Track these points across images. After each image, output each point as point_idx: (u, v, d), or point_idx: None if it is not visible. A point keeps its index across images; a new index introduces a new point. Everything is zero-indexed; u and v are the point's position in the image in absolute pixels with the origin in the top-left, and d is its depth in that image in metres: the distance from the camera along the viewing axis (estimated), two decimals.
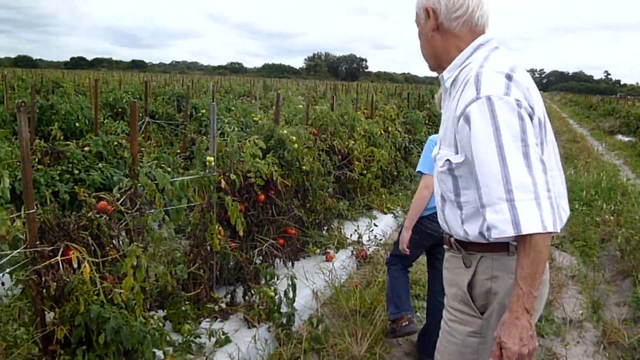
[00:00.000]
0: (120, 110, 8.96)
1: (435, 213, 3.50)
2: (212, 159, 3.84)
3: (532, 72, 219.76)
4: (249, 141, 4.27)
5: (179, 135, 9.35)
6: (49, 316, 2.56)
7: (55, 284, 2.35)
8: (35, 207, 2.47)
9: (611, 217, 7.27)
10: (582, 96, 60.90)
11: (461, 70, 1.84)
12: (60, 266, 2.40)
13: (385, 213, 7.15)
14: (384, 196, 7.41)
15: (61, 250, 2.47)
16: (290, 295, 4.00)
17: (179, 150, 7.50)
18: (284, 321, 3.82)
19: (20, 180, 4.84)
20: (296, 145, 4.54)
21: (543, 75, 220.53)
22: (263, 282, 4.19)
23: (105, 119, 8.01)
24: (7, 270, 2.40)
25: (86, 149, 5.75)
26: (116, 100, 8.94)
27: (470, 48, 1.84)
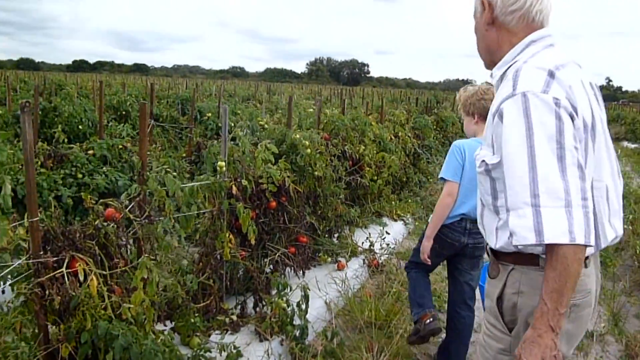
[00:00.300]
0: (124, 112, 8.82)
1: (457, 222, 3.39)
2: (223, 164, 3.67)
3: None
4: (260, 146, 4.10)
5: (183, 139, 9.20)
6: (53, 331, 2.39)
7: (59, 297, 2.17)
8: (39, 214, 2.30)
9: (625, 226, 7.10)
10: None
11: (510, 66, 1.72)
12: (66, 278, 2.23)
13: (396, 220, 6.98)
14: (393, 203, 7.25)
15: (66, 261, 2.30)
16: (303, 306, 3.83)
17: (184, 154, 7.33)
18: (297, 334, 3.65)
19: (23, 184, 4.69)
20: (309, 151, 4.38)
21: None
22: (274, 292, 4.02)
23: (109, 121, 7.85)
24: (9, 282, 2.22)
25: (90, 152, 5.60)
26: (120, 103, 8.79)
27: (521, 44, 1.73)
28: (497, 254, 1.84)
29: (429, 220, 3.45)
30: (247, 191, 3.86)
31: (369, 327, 4.05)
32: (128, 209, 2.84)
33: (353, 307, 4.37)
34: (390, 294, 4.63)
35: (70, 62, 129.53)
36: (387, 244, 5.83)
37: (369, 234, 5.71)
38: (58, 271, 2.24)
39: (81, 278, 2.22)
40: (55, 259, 2.30)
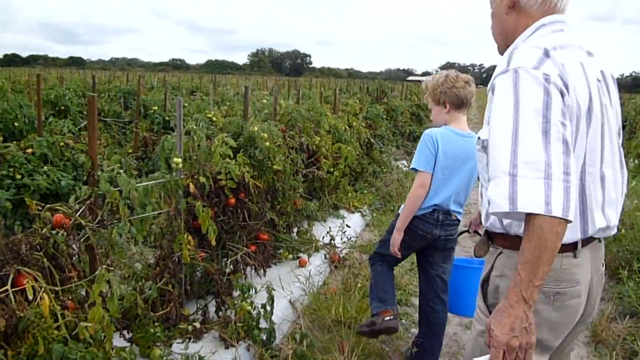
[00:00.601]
0: (63, 108, 8.31)
1: (429, 213, 3.21)
2: (179, 160, 3.41)
3: (471, 67, 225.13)
4: (217, 140, 3.86)
5: (127, 134, 8.78)
6: None
7: (5, 320, 1.90)
8: None
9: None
10: None
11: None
12: (12, 298, 1.95)
13: (353, 212, 6.85)
14: (349, 194, 7.11)
15: (11, 277, 2.02)
16: (269, 308, 3.64)
17: (130, 151, 6.97)
18: (264, 338, 3.45)
19: None
20: (268, 144, 4.16)
21: (482, 70, 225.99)
22: (237, 294, 3.80)
23: (47, 117, 7.38)
24: None
25: (29, 150, 5.20)
26: (58, 98, 8.28)
27: (532, 27, 1.72)
28: (490, 236, 1.85)
29: (399, 212, 3.31)
30: (205, 188, 3.63)
31: (337, 326, 3.89)
32: (78, 213, 2.57)
33: (319, 306, 4.20)
34: (357, 289, 4.48)
35: (1, 57, 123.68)
36: (348, 238, 5.69)
37: (329, 228, 5.55)
38: (2, 289, 1.97)
39: (30, 296, 1.95)
40: None
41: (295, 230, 5.36)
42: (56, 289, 2.10)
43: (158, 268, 3.50)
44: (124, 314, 3.13)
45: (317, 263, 5.00)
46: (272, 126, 4.26)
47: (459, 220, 3.33)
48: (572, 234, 1.62)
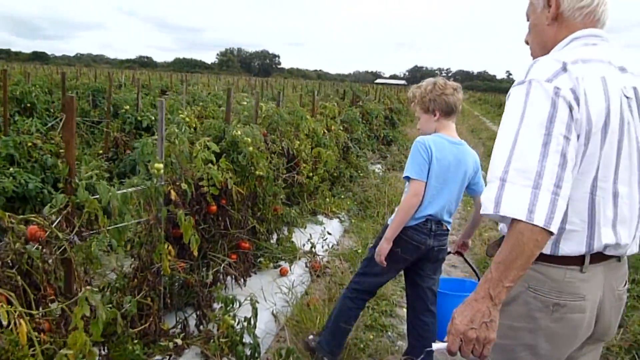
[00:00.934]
0: (29, 105, 7.95)
1: (422, 223, 3.05)
2: (160, 166, 3.21)
3: (439, 71, 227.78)
4: (199, 144, 3.67)
5: (95, 134, 8.47)
6: None
7: None
8: None
9: None
10: (491, 95, 63.33)
11: None
12: None
13: (331, 218, 6.71)
14: (327, 199, 6.96)
15: None
16: (252, 321, 3.47)
17: (100, 152, 6.70)
18: (248, 354, 3.28)
19: None
20: (251, 148, 3.98)
21: (450, 74, 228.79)
22: (218, 307, 3.62)
23: (12, 115, 7.04)
24: None
25: None
26: (24, 94, 7.91)
27: (565, 40, 1.74)
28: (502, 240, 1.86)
29: (388, 222, 3.19)
30: (187, 196, 3.43)
31: None
32: (54, 224, 2.36)
33: (303, 317, 4.04)
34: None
35: None
36: (332, 245, 5.54)
37: (310, 235, 5.39)
38: None
39: (4, 321, 1.74)
40: None
41: (274, 237, 5.19)
42: (32, 312, 1.90)
43: (136, 280, 3.29)
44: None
45: (298, 272, 4.84)
46: (255, 130, 4.08)
47: (449, 230, 3.24)
48: (577, 247, 1.64)
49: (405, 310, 3.65)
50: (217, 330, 3.43)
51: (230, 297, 3.46)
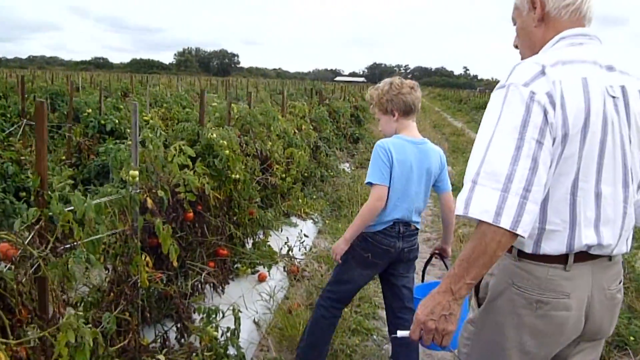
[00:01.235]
0: None
1: (390, 227, 2.97)
2: (136, 173, 3.04)
3: (397, 67, 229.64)
4: (173, 148, 3.50)
5: (56, 139, 8.14)
6: None
7: None
8: None
9: None
10: (451, 90, 64.14)
11: None
12: None
13: (305, 219, 6.60)
14: (300, 200, 6.85)
15: None
16: (236, 332, 3.33)
17: (63, 157, 6.42)
18: None
19: None
20: (228, 152, 3.83)
21: (408, 71, 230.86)
22: (199, 317, 3.46)
23: None
24: None
25: None
26: None
27: (553, 40, 1.75)
28: None
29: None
30: (164, 203, 3.27)
31: None
32: (27, 241, 2.17)
33: (285, 324, 3.91)
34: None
35: None
36: (306, 247, 5.42)
37: (287, 238, 5.26)
38: None
39: None
40: None
41: (250, 242, 5.04)
42: (9, 341, 1.72)
43: (112, 294, 3.11)
44: None
45: (277, 277, 4.71)
46: (231, 132, 3.93)
47: (418, 229, 3.21)
48: (558, 247, 1.65)
49: None
50: (200, 343, 3.28)
51: (214, 308, 3.31)
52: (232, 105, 5.04)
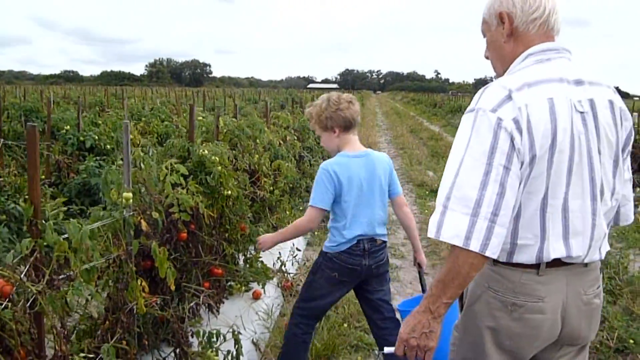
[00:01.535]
0: None
1: (355, 245, 2.94)
2: (130, 195, 2.91)
3: (370, 73, 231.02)
4: (165, 166, 3.37)
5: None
6: None
7: None
8: None
9: None
10: (424, 95, 64.54)
11: None
12: None
13: None
14: (288, 213, 6.73)
15: None
16: (236, 355, 3.21)
17: (43, 177, 6.21)
18: None
19: None
20: (220, 168, 3.72)
21: (380, 76, 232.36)
22: (196, 341, 3.33)
23: None
24: None
25: None
26: None
27: (521, 57, 1.78)
28: None
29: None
30: (159, 225, 3.14)
31: None
32: (23, 275, 2.04)
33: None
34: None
35: None
36: (299, 261, 5.31)
37: (279, 253, 5.13)
38: None
39: None
40: None
41: (242, 258, 4.91)
42: None
43: (107, 322, 2.96)
44: None
45: (272, 293, 4.59)
46: (222, 148, 3.82)
47: (384, 243, 3.17)
48: (526, 257, 1.72)
49: None
50: None
51: (214, 331, 3.19)
52: (220, 119, 4.92)
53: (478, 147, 1.61)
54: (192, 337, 3.39)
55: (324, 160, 10.43)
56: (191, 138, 3.80)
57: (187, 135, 3.83)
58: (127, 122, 2.97)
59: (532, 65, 1.74)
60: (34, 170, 2.18)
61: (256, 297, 4.44)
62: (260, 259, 4.92)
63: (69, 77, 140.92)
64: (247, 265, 4.77)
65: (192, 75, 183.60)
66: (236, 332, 3.29)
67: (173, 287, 3.08)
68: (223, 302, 4.23)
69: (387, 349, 1.92)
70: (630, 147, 1.89)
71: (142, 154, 3.17)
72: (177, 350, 3.24)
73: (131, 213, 2.98)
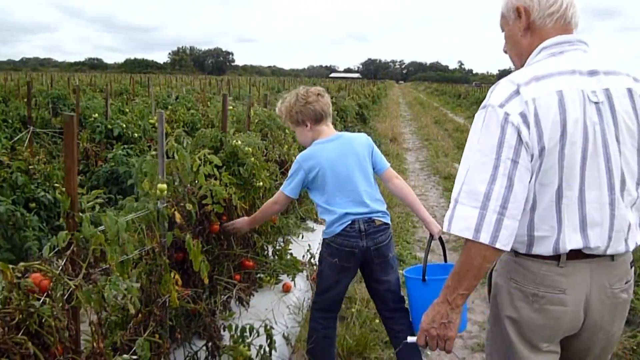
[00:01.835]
0: None
1: (349, 226, 2.85)
2: (164, 186, 2.85)
3: (392, 63, 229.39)
4: (198, 157, 3.31)
5: (58, 144, 7.93)
6: None
7: None
8: None
9: None
10: (448, 85, 63.87)
11: None
12: None
13: (321, 223, 6.40)
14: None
15: None
16: (267, 350, 3.16)
17: None
18: None
19: None
20: (253, 159, 3.64)
21: (403, 66, 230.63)
22: (228, 335, 3.28)
23: None
24: None
25: None
26: None
27: (535, 51, 1.81)
28: None
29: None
30: (192, 217, 3.08)
31: None
32: (60, 269, 1.98)
33: None
34: (352, 316, 4.04)
35: None
36: None
37: (309, 245, 5.06)
38: None
39: None
40: None
41: (270, 250, 4.85)
42: None
43: (140, 315, 2.92)
44: None
45: (302, 286, 4.52)
46: (255, 138, 3.74)
47: (385, 224, 3.08)
48: (544, 248, 1.74)
49: None
50: None
51: (246, 326, 3.13)
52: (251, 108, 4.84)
53: (487, 142, 1.65)
54: (224, 330, 3.34)
55: None
56: (224, 128, 3.72)
57: (220, 125, 3.75)
58: (162, 112, 2.90)
59: (545, 59, 1.77)
60: (71, 162, 2.13)
61: (286, 290, 4.37)
62: (290, 251, 4.86)
63: (94, 65, 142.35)
64: (277, 258, 4.70)
65: (215, 63, 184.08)
66: (269, 327, 3.23)
67: (206, 281, 3.03)
68: (253, 295, 4.17)
69: (411, 339, 1.99)
70: None
71: (175, 144, 3.08)
72: (209, 344, 3.19)
73: (165, 204, 2.92)
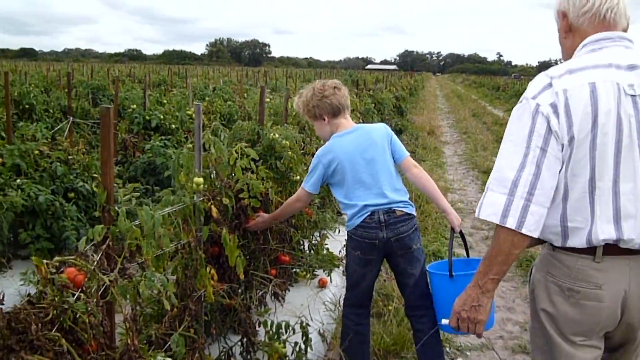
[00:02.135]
0: (27, 107, 7.48)
1: (368, 217, 2.73)
2: (201, 180, 2.80)
3: (429, 54, 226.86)
4: (235, 150, 3.25)
5: (97, 135, 8.02)
6: None
7: None
8: None
9: None
10: (486, 77, 62.79)
11: None
12: None
13: None
14: None
15: None
16: (302, 346, 3.10)
17: None
18: None
19: None
20: (291, 152, 3.58)
21: (440, 58, 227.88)
22: (263, 331, 3.23)
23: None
24: None
25: None
26: (22, 95, 7.41)
27: (577, 49, 1.85)
28: None
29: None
30: (229, 211, 3.03)
31: None
32: (95, 264, 1.95)
33: None
34: (390, 313, 3.95)
35: None
36: None
37: (345, 240, 4.97)
38: None
39: None
40: None
41: (306, 244, 4.78)
42: None
43: (175, 309, 2.89)
44: None
45: (338, 282, 4.45)
46: (293, 131, 3.67)
47: (407, 215, 2.97)
48: (577, 240, 1.76)
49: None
50: (268, 359, 3.05)
51: (282, 323, 3.08)
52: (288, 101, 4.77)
53: (519, 132, 1.73)
54: (259, 326, 3.30)
55: None
56: (261, 121, 3.67)
57: (257, 117, 3.69)
58: (200, 104, 2.85)
59: (584, 55, 1.81)
60: (107, 154, 2.09)
61: (322, 285, 4.31)
62: (326, 246, 4.78)
63: (133, 56, 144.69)
64: (313, 252, 4.64)
65: (252, 55, 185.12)
66: (304, 325, 3.17)
67: (242, 276, 2.98)
68: (289, 290, 4.11)
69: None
70: None
71: (212, 137, 3.04)
72: (244, 340, 3.15)
73: (201, 198, 2.88)
